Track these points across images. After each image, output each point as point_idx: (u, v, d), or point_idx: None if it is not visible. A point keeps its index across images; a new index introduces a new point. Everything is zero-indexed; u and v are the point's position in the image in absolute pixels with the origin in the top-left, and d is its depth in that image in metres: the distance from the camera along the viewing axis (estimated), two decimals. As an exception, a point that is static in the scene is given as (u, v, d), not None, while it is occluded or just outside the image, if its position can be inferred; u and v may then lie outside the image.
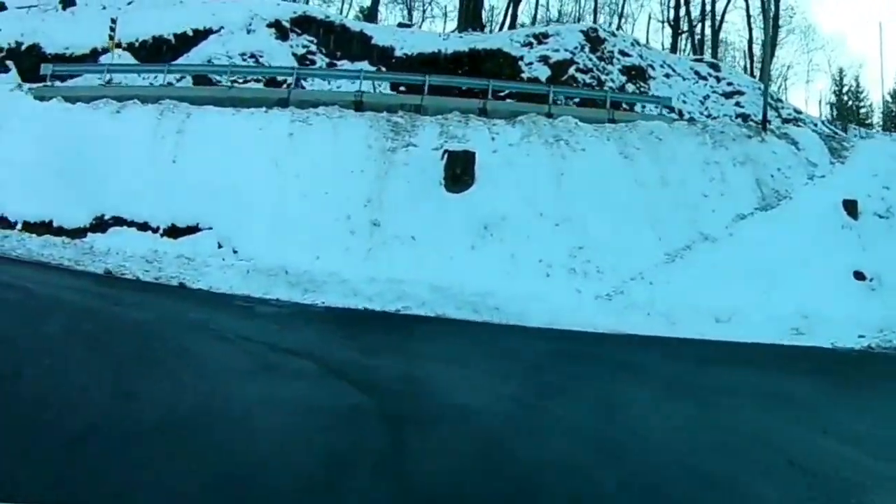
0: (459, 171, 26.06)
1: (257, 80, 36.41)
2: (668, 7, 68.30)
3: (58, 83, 33.58)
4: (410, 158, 27.27)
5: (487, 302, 20.77)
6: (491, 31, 54.58)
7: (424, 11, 72.22)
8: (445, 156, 26.63)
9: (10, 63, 36.89)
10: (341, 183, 25.78)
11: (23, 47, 37.56)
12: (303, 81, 36.89)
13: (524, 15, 67.56)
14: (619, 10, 72.02)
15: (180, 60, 37.64)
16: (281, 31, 41.18)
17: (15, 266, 21.38)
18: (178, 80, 35.72)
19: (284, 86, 34.60)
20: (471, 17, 52.28)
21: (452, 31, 51.98)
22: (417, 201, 25.37)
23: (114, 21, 35.58)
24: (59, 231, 24.73)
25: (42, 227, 24.79)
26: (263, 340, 15.05)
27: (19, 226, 24.91)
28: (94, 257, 22.94)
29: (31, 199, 25.06)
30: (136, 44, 38.68)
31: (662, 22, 70.31)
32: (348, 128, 28.60)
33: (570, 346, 17.95)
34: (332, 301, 20.55)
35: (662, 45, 63.40)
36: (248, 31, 40.37)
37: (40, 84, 32.80)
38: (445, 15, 70.18)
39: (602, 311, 21.06)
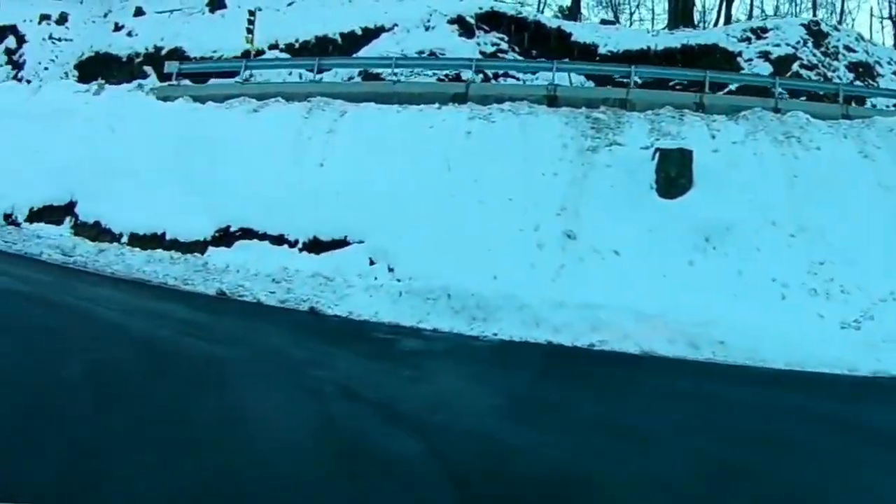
0: (674, 172, 23.62)
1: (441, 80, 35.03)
2: (891, 3, 65.19)
3: (186, 82, 33.04)
4: (615, 159, 24.76)
5: (710, 333, 17.57)
6: (704, 29, 53.26)
7: (632, 14, 69.64)
8: (657, 155, 24.16)
9: (148, 68, 37.46)
10: (529, 188, 23.47)
11: (163, 52, 38.03)
12: (492, 81, 35.37)
13: (739, 13, 65.79)
14: (839, 6, 68.85)
15: (343, 59, 37.33)
16: (465, 28, 40.03)
17: (98, 284, 19.51)
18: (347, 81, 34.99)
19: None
20: (681, 16, 51.24)
21: (662, 29, 51.19)
22: (623, 208, 22.80)
23: (252, 13, 34.88)
24: (174, 244, 23.59)
25: (152, 240, 23.72)
26: (377, 397, 11.62)
27: (125, 238, 23.91)
28: (208, 275, 21.27)
29: (143, 209, 24.08)
30: (296, 44, 38.57)
31: (882, 19, 67.81)
32: (539, 125, 26.40)
33: (822, 405, 13.91)
34: (507, 332, 17.73)
35: (883, 42, 60.63)
36: (427, 28, 39.47)
37: (165, 84, 32.32)
38: (654, 18, 68.10)
39: (851, 343, 17.74)
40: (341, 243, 22.82)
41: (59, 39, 42.67)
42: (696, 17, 59.56)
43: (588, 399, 13.10)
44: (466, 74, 33.64)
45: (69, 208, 25.22)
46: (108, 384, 10.95)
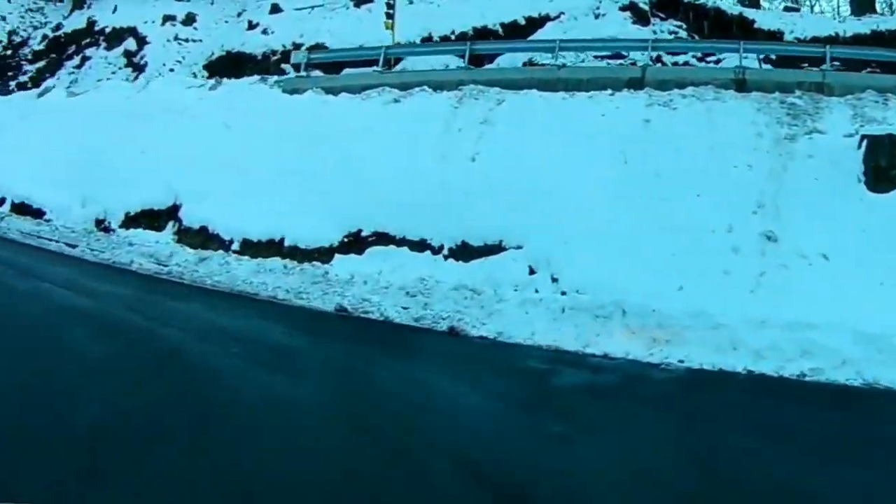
0: (885, 162, 21.33)
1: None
2: None
3: (317, 73, 32.50)
4: (816, 149, 22.39)
5: (946, 358, 14.58)
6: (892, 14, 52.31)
7: (812, 7, 68.23)
8: (864, 143, 21.96)
9: (286, 66, 36.93)
10: (720, 182, 21.22)
11: (302, 49, 37.15)
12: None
13: (922, -1, 66.16)
14: None
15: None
16: (639, 15, 38.73)
17: (186, 299, 18.24)
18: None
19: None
20: (865, 4, 49.87)
21: (849, 15, 49.47)
22: (829, 205, 20.41)
23: (391, -3, 33.95)
24: (293, 252, 22.44)
25: (268, 247, 22.75)
26: (506, 474, 8.87)
27: (235, 245, 23.09)
28: (328, 287, 19.80)
29: (259, 212, 23.29)
30: (453, 36, 37.58)
31: None
32: (727, 112, 24.19)
33: None
34: (696, 358, 15.40)
35: None
36: (596, 16, 38.22)
37: (292, 75, 32.10)
38: (837, 7, 66.74)
39: None
40: (495, 249, 21.13)
41: (186, 40, 43.29)
42: (879, 8, 57.89)
43: (840, 478, 9.55)
44: (640, 60, 31.71)
45: (172, 212, 24.62)
46: (105, 446, 8.97)
